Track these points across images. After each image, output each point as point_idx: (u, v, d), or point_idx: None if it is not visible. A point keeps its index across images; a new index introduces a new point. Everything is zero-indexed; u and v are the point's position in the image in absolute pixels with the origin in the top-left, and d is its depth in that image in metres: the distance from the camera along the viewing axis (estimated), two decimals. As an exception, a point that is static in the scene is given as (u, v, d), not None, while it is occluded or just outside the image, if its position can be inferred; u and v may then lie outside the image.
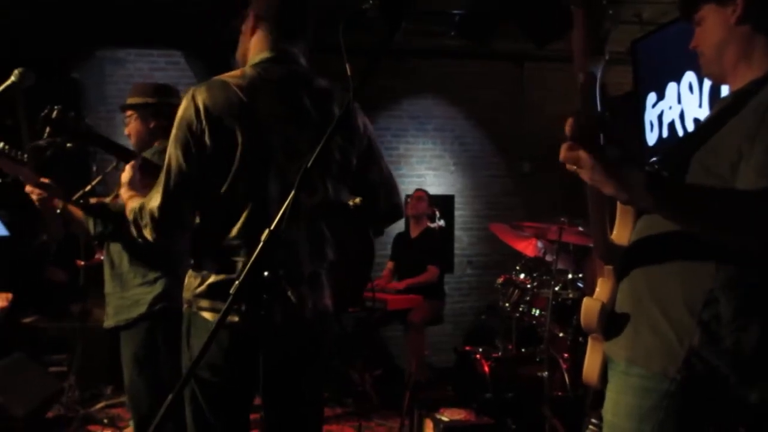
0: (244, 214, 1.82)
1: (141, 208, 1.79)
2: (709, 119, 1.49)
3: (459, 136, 6.96)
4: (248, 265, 1.46)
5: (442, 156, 6.94)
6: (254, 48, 1.90)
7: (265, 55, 1.86)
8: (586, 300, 1.51)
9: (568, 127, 1.23)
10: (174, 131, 1.77)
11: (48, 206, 2.48)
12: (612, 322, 1.45)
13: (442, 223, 6.74)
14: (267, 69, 1.85)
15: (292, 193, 1.45)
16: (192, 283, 1.84)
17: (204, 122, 1.73)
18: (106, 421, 4.15)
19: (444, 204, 6.79)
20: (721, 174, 1.29)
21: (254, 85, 1.81)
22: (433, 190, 6.72)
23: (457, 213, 6.93)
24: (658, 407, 1.32)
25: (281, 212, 1.46)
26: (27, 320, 4.81)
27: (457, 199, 6.94)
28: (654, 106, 4.98)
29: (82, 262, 3.91)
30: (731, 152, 1.28)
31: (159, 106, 2.88)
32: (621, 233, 1.50)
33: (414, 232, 5.48)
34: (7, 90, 2.13)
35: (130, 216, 1.81)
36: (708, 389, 1.31)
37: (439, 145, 6.93)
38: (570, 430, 3.28)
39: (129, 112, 3.01)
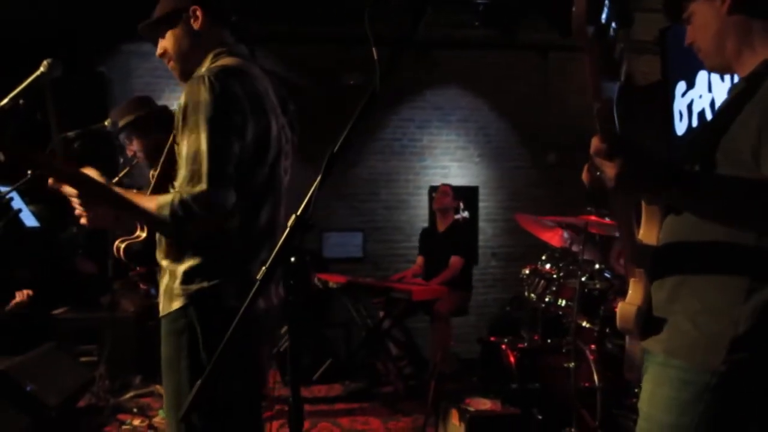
0: (267, 201, 1.92)
1: (182, 198, 1.70)
2: (724, 106, 1.47)
3: (483, 127, 6.92)
4: (275, 252, 1.46)
5: (467, 147, 6.91)
6: (207, 43, 1.95)
7: (223, 48, 1.94)
8: (621, 305, 1.49)
9: (592, 148, 1.23)
10: (202, 118, 1.73)
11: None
12: (649, 323, 1.43)
13: (466, 214, 6.75)
14: (243, 62, 1.93)
15: (319, 177, 1.45)
16: (212, 270, 1.85)
17: (241, 107, 1.78)
18: (135, 410, 4.21)
19: (468, 195, 6.77)
20: (745, 160, 1.27)
21: (257, 75, 1.90)
22: (458, 181, 6.71)
23: (481, 204, 6.91)
24: (698, 400, 1.30)
25: (308, 197, 1.46)
26: (57, 311, 4.89)
27: (481, 191, 6.91)
28: (684, 95, 4.89)
29: (134, 272, 3.92)
30: (751, 137, 1.26)
31: (152, 116, 2.94)
32: (649, 233, 1.48)
33: (441, 226, 5.45)
34: (37, 80, 2.13)
35: (164, 211, 1.72)
36: (753, 380, 1.29)
37: (463, 136, 6.90)
38: (597, 421, 3.25)
39: (125, 134, 3.06)
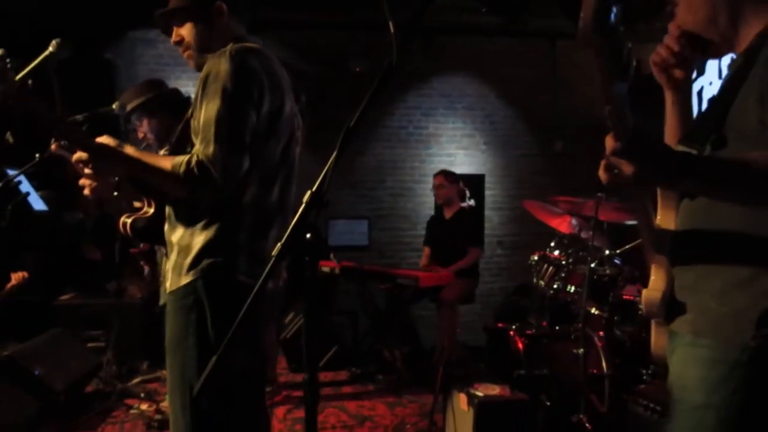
0: (279, 179, 1.95)
1: (198, 158, 1.74)
2: (726, 82, 1.45)
3: (489, 114, 6.89)
4: (290, 228, 1.45)
5: (473, 135, 6.88)
6: (225, 36, 1.98)
7: (237, 34, 1.99)
8: (645, 292, 1.48)
9: (607, 148, 1.23)
10: (222, 86, 1.77)
11: (102, 195, 2.48)
12: (674, 308, 1.42)
13: (472, 202, 6.71)
14: (261, 47, 1.97)
15: (335, 153, 1.44)
16: (224, 245, 1.85)
17: (259, 82, 1.83)
18: (143, 395, 4.22)
19: (474, 183, 6.74)
20: (752, 135, 1.26)
21: (274, 59, 1.95)
22: (464, 169, 6.69)
23: (487, 193, 6.89)
24: (729, 378, 1.27)
25: (323, 173, 1.45)
26: (64, 297, 4.90)
27: (487, 179, 6.89)
28: (693, 81, 4.86)
29: (135, 250, 3.92)
30: (756, 109, 1.26)
31: (163, 98, 2.93)
32: (666, 218, 1.47)
33: (447, 214, 5.41)
34: (45, 60, 2.12)
35: (179, 169, 1.75)
36: None
37: (470, 124, 6.88)
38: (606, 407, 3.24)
39: (135, 117, 3.05)
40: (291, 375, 5.00)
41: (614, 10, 1.36)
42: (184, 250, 1.86)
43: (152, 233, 2.07)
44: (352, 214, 6.54)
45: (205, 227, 1.85)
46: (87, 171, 1.87)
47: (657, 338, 1.53)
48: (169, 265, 1.92)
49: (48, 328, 4.22)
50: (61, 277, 4.98)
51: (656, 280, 1.46)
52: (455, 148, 6.85)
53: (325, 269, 5.11)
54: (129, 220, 2.09)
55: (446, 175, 5.36)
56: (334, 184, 1.40)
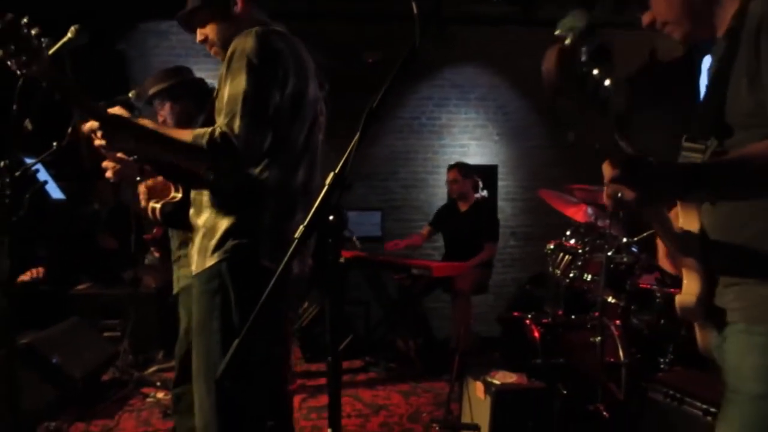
0: (303, 163, 1.97)
1: (221, 130, 1.75)
2: (715, 70, 1.41)
3: (502, 105, 6.86)
4: (313, 210, 1.45)
5: (485, 126, 6.85)
6: (247, 25, 1.96)
7: (261, 21, 2.01)
8: (679, 298, 1.43)
9: (605, 175, 1.20)
10: (247, 63, 1.79)
11: (124, 178, 2.46)
12: (713, 309, 1.38)
13: (485, 193, 6.68)
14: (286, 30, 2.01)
15: (358, 134, 1.44)
16: (248, 227, 1.86)
17: (284, 62, 1.85)
18: (159, 383, 4.24)
19: (487, 174, 6.71)
20: (756, 117, 1.24)
21: (300, 43, 1.99)
22: (476, 160, 6.67)
23: (500, 183, 6.86)
24: None
25: (346, 154, 1.45)
26: (80, 287, 4.93)
27: (500, 170, 6.86)
28: (701, 60, 4.82)
29: (148, 236, 3.93)
30: (750, 91, 1.24)
31: (183, 85, 2.93)
32: (688, 219, 1.42)
33: (463, 207, 5.36)
34: (64, 47, 2.12)
35: (201, 140, 1.75)
36: None
37: (482, 114, 6.84)
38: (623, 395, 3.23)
39: (158, 101, 3.05)
40: (305, 365, 5.02)
41: (585, 48, 1.32)
42: (210, 232, 1.87)
43: (181, 218, 2.08)
44: (365, 205, 6.53)
45: (231, 210, 1.86)
46: (99, 142, 1.84)
47: (702, 336, 1.49)
48: (194, 249, 1.93)
49: (65, 317, 4.25)
50: (77, 267, 5.01)
51: (689, 284, 1.40)
52: (468, 139, 6.83)
53: (341, 259, 5.10)
54: (158, 205, 2.10)
55: (460, 169, 5.31)
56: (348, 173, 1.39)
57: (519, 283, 6.70)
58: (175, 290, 2.93)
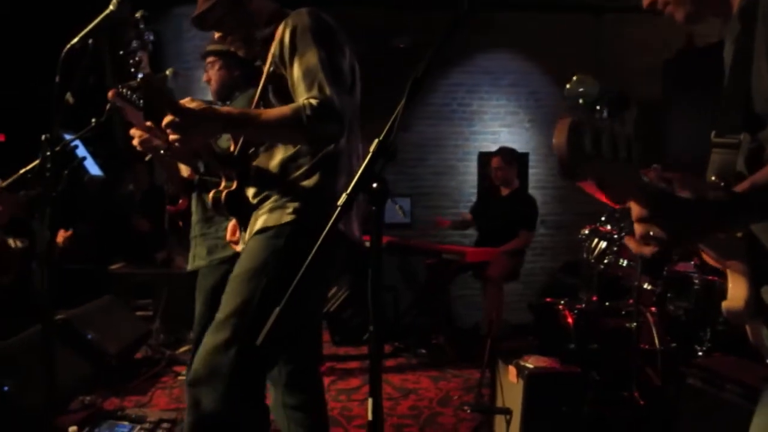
0: (357, 130, 2.04)
1: (311, 102, 1.74)
2: (734, 54, 1.32)
3: (534, 91, 6.77)
4: (356, 177, 1.44)
5: (517, 112, 6.78)
6: (263, 13, 2.00)
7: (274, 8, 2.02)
8: (725, 304, 1.35)
9: (633, 215, 1.10)
10: (312, 37, 1.82)
11: (150, 148, 2.34)
12: (763, 311, 1.33)
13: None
14: None
15: (403, 101, 1.42)
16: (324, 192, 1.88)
17: (338, 35, 1.90)
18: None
19: (518, 162, 6.64)
20: None
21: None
22: (507, 147, 6.61)
23: (531, 171, 6.79)
24: None
25: (391, 122, 1.44)
26: (114, 267, 5.00)
27: (531, 157, 6.79)
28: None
29: (172, 208, 4.00)
30: None
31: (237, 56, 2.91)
32: None
33: (504, 192, 5.27)
34: (106, 19, 2.13)
35: (306, 111, 1.73)
36: None
37: (514, 101, 6.77)
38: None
39: (211, 59, 3.05)
40: (334, 348, 5.03)
41: (604, 107, 1.23)
42: (282, 194, 1.88)
43: (239, 205, 2.05)
44: (395, 191, 6.51)
45: (306, 176, 1.88)
46: (173, 137, 1.76)
47: (753, 330, 1.43)
48: (264, 210, 1.90)
49: (98, 296, 4.31)
50: (111, 247, 5.08)
51: (735, 289, 1.31)
52: (499, 126, 6.76)
53: (369, 243, 5.10)
54: (223, 194, 2.04)
55: (503, 156, 5.20)
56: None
57: (549, 272, 6.64)
58: (189, 267, 2.92)
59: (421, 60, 1.41)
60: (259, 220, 1.90)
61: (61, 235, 3.89)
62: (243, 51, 2.04)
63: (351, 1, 6.21)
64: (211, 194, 2.07)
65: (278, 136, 1.88)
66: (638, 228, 1.10)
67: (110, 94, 2.09)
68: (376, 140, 1.42)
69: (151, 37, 1.86)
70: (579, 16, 6.54)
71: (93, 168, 3.75)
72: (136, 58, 1.85)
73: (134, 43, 1.87)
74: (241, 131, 1.90)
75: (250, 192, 1.99)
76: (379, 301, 1.55)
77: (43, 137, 2.51)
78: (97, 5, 2.19)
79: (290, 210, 1.85)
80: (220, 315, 1.84)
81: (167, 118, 1.74)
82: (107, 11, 2.15)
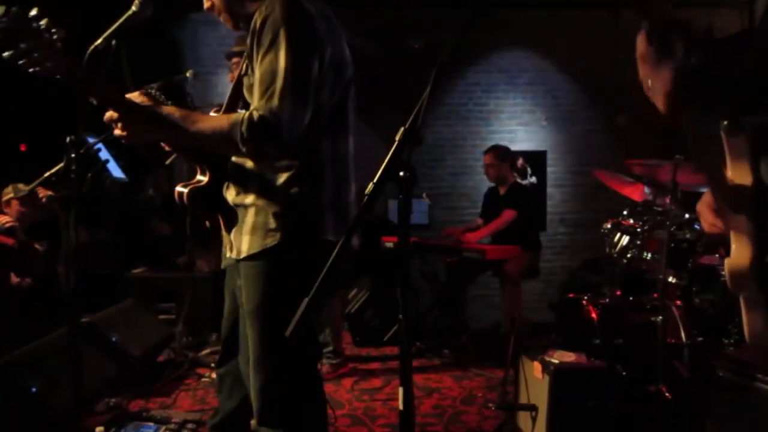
0: (351, 129, 1.91)
1: (260, 114, 1.62)
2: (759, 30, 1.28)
3: (551, 89, 6.75)
4: (383, 165, 1.43)
5: (534, 111, 6.75)
6: None
7: None
8: (729, 262, 1.31)
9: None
10: (280, 35, 1.66)
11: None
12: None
13: (534, 179, 6.60)
14: None
15: (429, 87, 1.41)
16: (309, 203, 1.80)
17: (317, 28, 1.73)
18: (213, 365, 4.29)
19: (536, 160, 6.63)
20: None
21: (325, 5, 1.86)
22: (525, 146, 6.59)
23: (549, 169, 6.76)
24: None
25: (417, 108, 1.43)
26: (136, 271, 5.03)
27: (549, 155, 6.76)
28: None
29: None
30: None
31: None
32: (739, 171, 1.30)
33: (502, 191, 5.26)
34: (129, 20, 2.14)
35: (242, 126, 1.63)
36: None
37: (530, 99, 6.75)
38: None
39: (236, 60, 3.07)
40: (356, 349, 5.02)
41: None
42: (264, 209, 1.77)
43: (210, 202, 1.96)
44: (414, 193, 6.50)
45: (286, 185, 1.75)
46: (118, 133, 1.74)
47: (751, 318, 1.36)
48: (244, 228, 1.81)
49: (120, 300, 4.34)
50: (132, 253, 5.11)
51: (739, 248, 1.28)
52: (516, 125, 6.74)
53: (389, 244, 5.10)
54: (186, 190, 1.97)
55: (496, 153, 5.16)
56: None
57: (569, 270, 6.59)
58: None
59: (438, 56, 1.41)
60: (244, 241, 1.80)
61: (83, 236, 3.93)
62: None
63: (366, 2, 6.22)
64: (177, 188, 1.97)
65: (214, 147, 1.80)
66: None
67: (136, 94, 2.09)
68: (402, 128, 1.41)
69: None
70: (595, 13, 6.50)
71: (116, 171, 3.79)
72: None
73: None
74: (181, 137, 1.76)
75: (229, 193, 1.89)
76: (408, 290, 1.55)
77: (68, 139, 2.53)
78: (118, 6, 2.20)
79: (273, 227, 1.75)
80: (252, 354, 1.84)
81: (108, 114, 1.72)
82: (129, 12, 2.15)
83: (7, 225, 3.90)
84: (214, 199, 1.93)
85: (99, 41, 2.13)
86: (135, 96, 1.76)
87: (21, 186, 3.95)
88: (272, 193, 1.78)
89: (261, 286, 1.79)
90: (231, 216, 1.90)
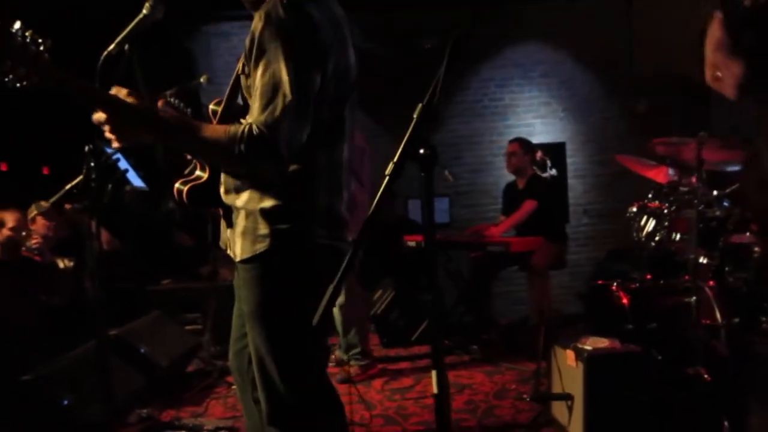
0: (347, 136, 1.85)
1: (258, 128, 1.58)
2: None
3: (566, 80, 6.68)
4: (402, 145, 1.40)
5: (550, 103, 6.70)
6: None
7: None
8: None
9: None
10: (282, 45, 1.60)
11: None
12: None
13: (554, 172, 6.51)
14: None
15: (444, 62, 1.38)
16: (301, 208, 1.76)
17: (321, 36, 1.67)
18: (242, 372, 4.28)
19: (555, 152, 6.55)
20: None
21: (334, 3, 1.81)
22: (543, 138, 6.53)
23: (569, 161, 6.69)
24: None
25: (433, 84, 1.40)
26: (161, 283, 5.05)
27: (568, 147, 6.69)
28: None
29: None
30: None
31: None
32: None
33: (520, 184, 5.21)
34: (140, 23, 2.12)
35: (238, 142, 1.59)
36: None
37: (546, 91, 6.69)
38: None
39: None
40: (384, 350, 4.99)
41: None
42: (254, 213, 1.73)
43: (211, 198, 1.91)
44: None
45: (278, 190, 1.71)
46: (108, 136, 1.67)
47: None
48: (237, 231, 1.77)
49: (145, 313, 4.35)
50: (156, 265, 5.13)
51: None
52: (533, 118, 6.69)
53: (411, 243, 5.07)
54: (185, 188, 1.92)
55: (521, 144, 5.11)
56: (411, 162, 1.34)
57: (594, 261, 6.50)
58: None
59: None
60: (237, 244, 1.77)
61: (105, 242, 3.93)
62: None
63: (378, 2, 6.21)
64: (176, 185, 1.92)
65: (210, 159, 1.78)
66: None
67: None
68: (420, 105, 1.39)
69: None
70: (607, 2, 6.43)
71: (135, 180, 3.80)
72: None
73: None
74: (174, 143, 1.74)
75: (221, 191, 1.85)
76: (437, 273, 1.52)
77: (86, 148, 2.53)
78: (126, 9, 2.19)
79: (262, 233, 1.71)
80: (254, 355, 1.82)
81: (96, 115, 1.65)
82: (141, 15, 2.13)
83: (36, 245, 3.94)
84: (216, 195, 1.90)
85: (112, 46, 2.11)
86: (124, 94, 1.66)
87: (43, 203, 3.98)
88: (263, 199, 1.74)
89: (256, 289, 1.77)
90: (230, 213, 1.87)
